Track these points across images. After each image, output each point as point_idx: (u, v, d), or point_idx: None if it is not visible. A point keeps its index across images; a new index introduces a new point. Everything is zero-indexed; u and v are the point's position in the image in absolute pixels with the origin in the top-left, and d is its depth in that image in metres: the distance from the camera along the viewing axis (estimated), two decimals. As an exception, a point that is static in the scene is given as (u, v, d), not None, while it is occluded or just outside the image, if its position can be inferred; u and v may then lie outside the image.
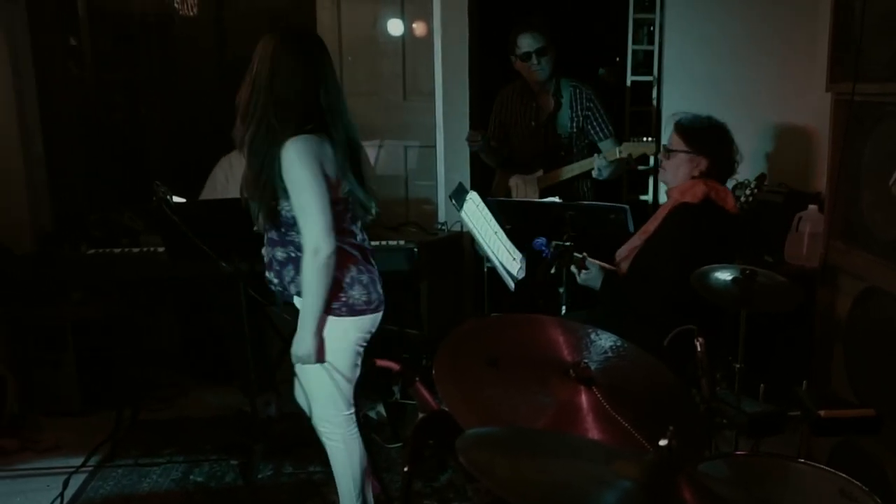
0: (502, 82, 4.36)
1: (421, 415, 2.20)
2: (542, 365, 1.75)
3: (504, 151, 4.29)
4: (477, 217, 3.36)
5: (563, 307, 3.03)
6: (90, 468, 3.62)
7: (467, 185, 4.10)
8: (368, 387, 3.77)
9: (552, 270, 2.95)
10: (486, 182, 4.47)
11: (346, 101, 2.70)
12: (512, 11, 4.57)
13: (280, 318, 3.11)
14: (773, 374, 2.37)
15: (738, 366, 2.48)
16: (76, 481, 3.46)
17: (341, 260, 2.63)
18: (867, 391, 3.04)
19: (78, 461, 3.59)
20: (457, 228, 4.41)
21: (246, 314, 3.27)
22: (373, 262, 2.78)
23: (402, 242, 4.07)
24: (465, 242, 4.49)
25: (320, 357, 2.66)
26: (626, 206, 3.47)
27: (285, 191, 2.55)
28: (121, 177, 5.24)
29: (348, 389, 2.76)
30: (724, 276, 2.56)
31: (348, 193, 2.64)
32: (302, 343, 2.63)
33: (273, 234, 2.69)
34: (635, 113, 4.65)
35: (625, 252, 3.19)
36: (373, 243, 2.90)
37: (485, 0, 4.74)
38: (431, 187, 4.98)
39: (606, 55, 5.05)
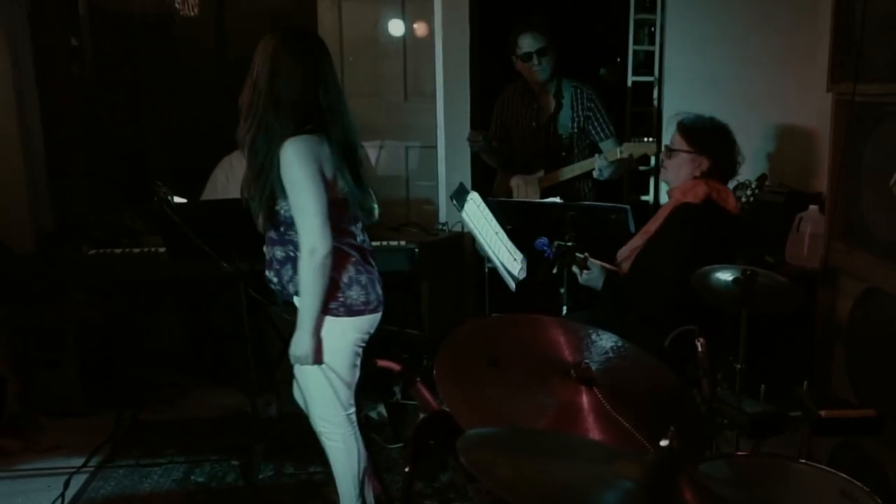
0: (503, 83, 4.36)
1: (422, 415, 2.21)
2: (543, 365, 1.75)
3: (505, 152, 4.29)
4: (478, 217, 3.36)
5: (564, 307, 3.04)
6: (91, 468, 3.62)
7: (468, 185, 4.09)
8: (369, 387, 3.77)
9: (554, 270, 2.96)
10: (487, 182, 4.47)
11: (347, 101, 2.70)
12: (513, 12, 4.56)
13: (280, 318, 3.11)
14: (773, 375, 2.36)
15: (738, 366, 2.49)
16: (77, 482, 3.46)
17: (339, 260, 2.63)
18: (868, 392, 3.04)
19: (79, 461, 3.59)
20: (458, 229, 4.41)
21: (246, 314, 3.27)
22: (372, 262, 2.78)
23: (402, 243, 4.08)
24: (466, 243, 4.49)
25: (318, 357, 2.66)
26: (627, 207, 3.46)
27: (284, 190, 2.56)
28: (122, 177, 5.24)
29: (347, 390, 2.76)
30: (725, 276, 2.56)
31: (347, 194, 2.64)
32: (300, 343, 2.64)
33: (272, 234, 2.70)
34: (636, 113, 4.65)
35: (626, 252, 3.19)
36: (374, 244, 2.90)
37: (486, 0, 4.74)
38: (432, 188, 4.98)
39: (607, 55, 5.05)
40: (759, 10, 4.37)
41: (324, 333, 2.66)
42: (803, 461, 2.11)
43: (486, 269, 3.92)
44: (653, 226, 3.14)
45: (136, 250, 4.05)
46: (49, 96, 4.72)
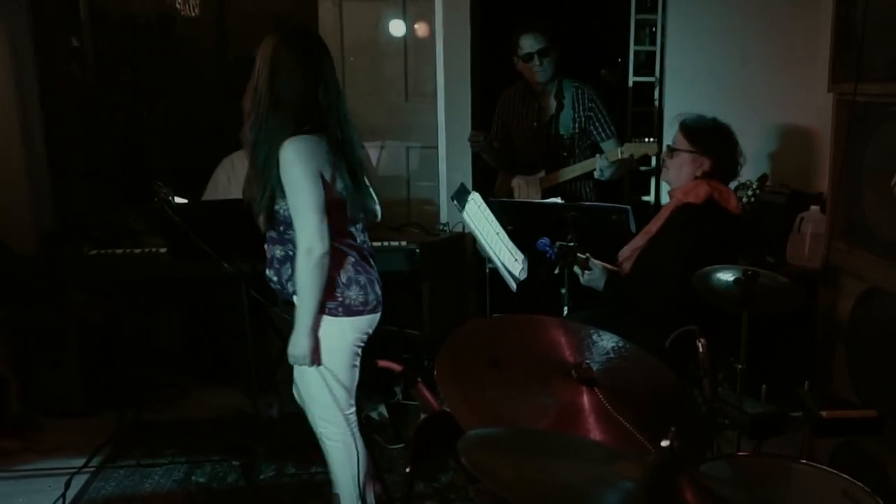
0: (504, 83, 4.36)
1: (423, 415, 2.21)
2: (544, 366, 1.75)
3: (507, 152, 4.29)
4: (479, 218, 3.36)
5: (565, 308, 3.03)
6: (92, 469, 3.62)
7: (469, 185, 4.09)
8: (370, 387, 3.78)
9: (556, 271, 2.96)
10: (488, 183, 4.47)
11: (348, 101, 2.71)
12: (513, 12, 4.57)
13: (281, 319, 3.11)
14: (774, 375, 2.37)
15: (739, 366, 2.49)
16: (78, 482, 3.46)
17: (338, 260, 2.63)
18: (869, 392, 3.04)
19: (80, 462, 3.59)
20: (459, 229, 4.42)
21: (247, 315, 3.27)
22: (372, 263, 2.78)
23: (403, 243, 4.08)
24: (466, 243, 4.49)
25: (316, 357, 2.66)
26: (628, 207, 3.46)
27: (283, 190, 2.56)
28: (123, 177, 5.25)
29: (347, 390, 2.76)
30: (726, 276, 2.55)
31: (346, 194, 2.64)
32: (297, 343, 2.64)
33: (272, 233, 2.71)
34: (637, 114, 4.65)
35: (627, 253, 3.18)
36: (374, 244, 2.90)
37: (487, 1, 4.74)
38: (433, 188, 4.98)
39: (608, 56, 5.05)
40: (760, 10, 4.37)
41: (323, 333, 2.66)
42: (804, 461, 2.11)
43: (487, 270, 3.92)
44: (654, 226, 3.14)
45: (137, 251, 4.05)
46: (50, 97, 4.73)
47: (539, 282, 2.99)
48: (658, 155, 3.90)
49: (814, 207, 3.85)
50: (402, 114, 5.19)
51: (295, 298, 2.71)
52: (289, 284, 2.70)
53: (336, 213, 2.61)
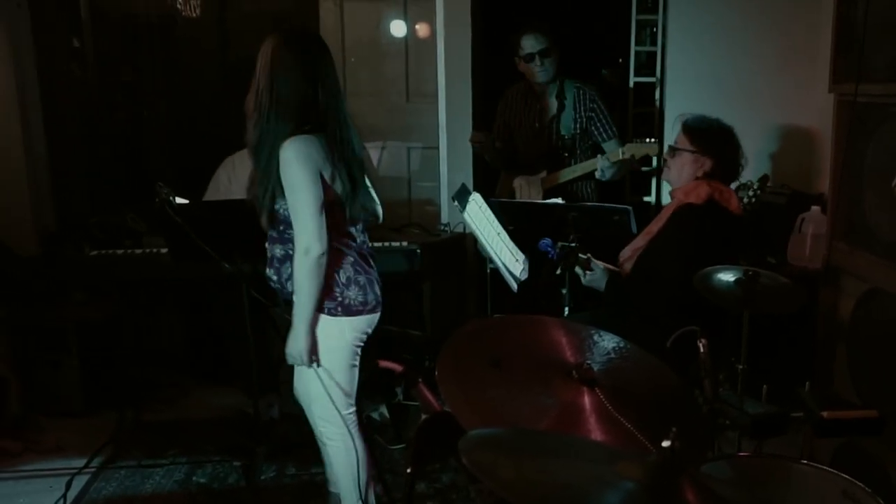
0: (506, 83, 4.36)
1: (424, 416, 2.20)
2: (545, 366, 1.75)
3: (509, 152, 4.29)
4: (480, 218, 3.36)
5: (566, 308, 3.03)
6: (93, 469, 3.62)
7: (470, 186, 4.09)
8: (372, 388, 3.78)
9: (557, 271, 2.95)
10: (489, 183, 4.47)
11: (348, 102, 2.71)
12: (514, 12, 4.57)
13: (282, 319, 3.11)
14: (775, 376, 2.37)
15: (740, 367, 2.49)
16: (79, 482, 3.47)
17: (337, 260, 2.64)
18: (870, 392, 3.03)
19: (80, 462, 3.59)
20: (460, 229, 4.42)
21: (248, 315, 3.27)
22: (372, 263, 2.78)
23: (404, 243, 4.08)
24: (467, 243, 4.49)
25: (313, 356, 2.66)
26: (630, 208, 3.46)
27: (282, 190, 2.57)
28: (124, 178, 5.25)
29: (346, 389, 2.76)
30: (727, 277, 2.55)
31: (345, 195, 2.64)
32: (294, 342, 2.65)
33: (273, 232, 2.72)
34: (638, 114, 4.64)
35: (628, 253, 3.18)
36: (375, 244, 2.90)
37: (488, 1, 4.74)
38: (434, 188, 4.98)
39: (609, 56, 5.05)
40: (761, 10, 4.37)
41: (322, 333, 2.66)
42: (805, 462, 2.11)
43: (488, 270, 3.92)
44: (655, 226, 3.14)
45: (138, 251, 4.05)
46: (51, 97, 4.73)
47: (540, 282, 2.99)
48: (659, 155, 3.90)
49: (815, 208, 3.85)
50: (403, 114, 5.19)
51: (294, 297, 2.72)
52: (288, 284, 2.70)
53: (335, 213, 2.62)
